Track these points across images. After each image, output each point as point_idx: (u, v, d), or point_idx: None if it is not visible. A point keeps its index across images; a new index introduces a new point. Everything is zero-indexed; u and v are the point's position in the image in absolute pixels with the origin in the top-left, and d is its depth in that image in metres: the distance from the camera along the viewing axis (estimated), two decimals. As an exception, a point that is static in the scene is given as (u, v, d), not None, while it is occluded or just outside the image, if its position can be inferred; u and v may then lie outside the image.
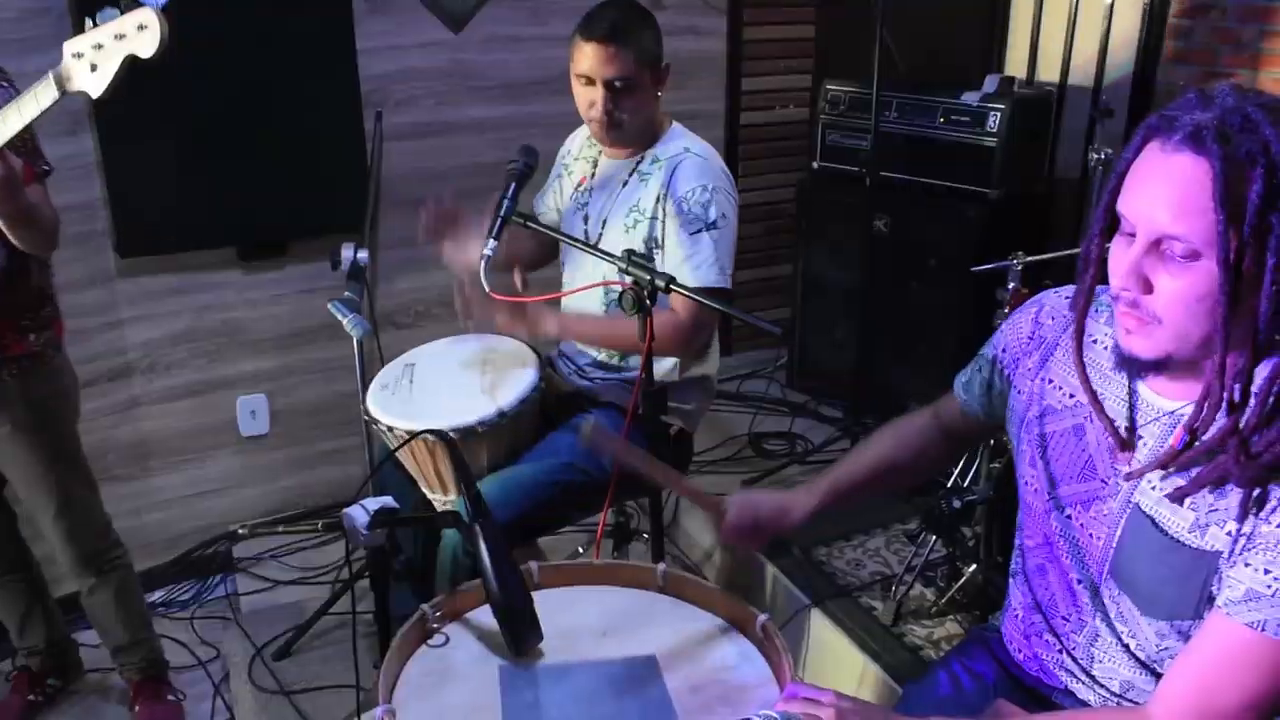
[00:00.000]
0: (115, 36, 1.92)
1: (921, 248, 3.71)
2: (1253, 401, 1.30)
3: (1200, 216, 1.23)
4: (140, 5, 1.92)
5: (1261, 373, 1.29)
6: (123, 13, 1.93)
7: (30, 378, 2.49)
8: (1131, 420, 1.45)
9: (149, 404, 3.46)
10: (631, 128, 2.53)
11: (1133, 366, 1.38)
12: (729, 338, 4.46)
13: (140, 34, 1.91)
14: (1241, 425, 1.29)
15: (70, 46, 1.96)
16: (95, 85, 1.96)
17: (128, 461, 3.44)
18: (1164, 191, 1.26)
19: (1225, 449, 1.30)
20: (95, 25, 1.94)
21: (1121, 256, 1.32)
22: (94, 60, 1.94)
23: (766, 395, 4.24)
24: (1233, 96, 1.26)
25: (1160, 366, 1.35)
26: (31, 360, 2.49)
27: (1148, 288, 1.30)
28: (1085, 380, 1.48)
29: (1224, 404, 1.31)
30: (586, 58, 2.46)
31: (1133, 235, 1.30)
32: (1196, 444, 1.36)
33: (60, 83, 1.98)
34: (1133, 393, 1.45)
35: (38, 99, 2.02)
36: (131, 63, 1.94)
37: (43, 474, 2.56)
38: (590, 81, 2.48)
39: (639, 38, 2.47)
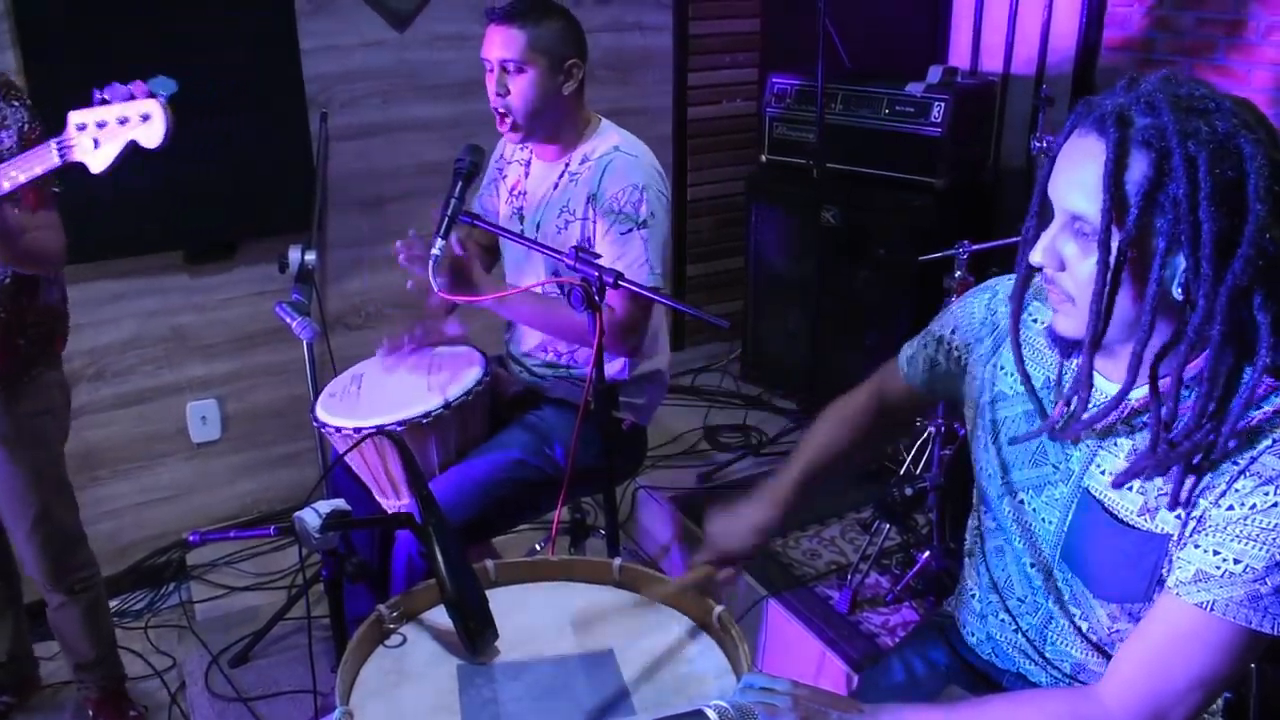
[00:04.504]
0: (119, 120, 1.92)
1: (870, 238, 3.74)
2: (1164, 388, 1.31)
3: (1099, 197, 1.25)
4: (149, 95, 1.93)
5: (1172, 362, 1.31)
6: (131, 96, 1.93)
7: (17, 392, 2.44)
8: (1081, 400, 1.46)
9: (97, 411, 3.41)
10: (526, 122, 2.46)
11: (1060, 344, 1.42)
12: (681, 332, 4.47)
13: (144, 124, 1.92)
14: (1164, 414, 1.31)
15: (75, 117, 1.94)
16: (96, 162, 1.94)
17: (77, 470, 3.34)
18: (1073, 172, 1.30)
19: (1156, 441, 1.33)
20: (105, 101, 1.93)
21: (1045, 235, 1.36)
22: (97, 136, 1.93)
23: (720, 388, 4.26)
24: (1153, 83, 1.28)
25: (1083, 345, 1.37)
26: (19, 375, 2.43)
27: (1061, 265, 1.34)
28: (1019, 359, 1.50)
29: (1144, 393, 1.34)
30: (486, 41, 2.44)
31: None
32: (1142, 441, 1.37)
33: (62, 152, 1.95)
34: (1072, 370, 1.47)
35: (39, 162, 1.98)
36: (133, 149, 1.93)
37: (23, 490, 2.52)
38: (491, 67, 2.45)
39: (537, 24, 2.40)
